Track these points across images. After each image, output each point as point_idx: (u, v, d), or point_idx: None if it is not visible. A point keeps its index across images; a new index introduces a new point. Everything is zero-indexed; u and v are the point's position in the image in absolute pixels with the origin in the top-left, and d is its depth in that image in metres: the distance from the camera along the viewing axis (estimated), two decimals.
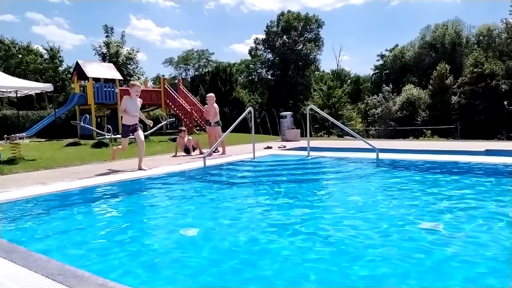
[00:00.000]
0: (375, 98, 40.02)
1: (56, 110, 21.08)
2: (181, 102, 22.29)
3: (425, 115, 33.05)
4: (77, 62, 21.55)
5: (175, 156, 9.77)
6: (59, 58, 41.46)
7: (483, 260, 2.75)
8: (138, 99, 7.44)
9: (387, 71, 53.88)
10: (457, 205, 4.29)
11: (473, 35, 47.62)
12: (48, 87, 18.12)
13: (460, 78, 33.62)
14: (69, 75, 33.00)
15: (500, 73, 30.18)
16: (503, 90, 29.49)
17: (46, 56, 41.14)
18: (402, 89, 37.81)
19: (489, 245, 3.02)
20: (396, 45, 54.59)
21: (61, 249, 3.20)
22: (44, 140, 18.52)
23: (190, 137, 10.49)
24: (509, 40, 34.63)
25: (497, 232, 3.36)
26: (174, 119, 20.42)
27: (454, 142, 13.78)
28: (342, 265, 2.75)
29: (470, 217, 3.80)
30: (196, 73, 60.82)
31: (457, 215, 3.84)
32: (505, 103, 28.48)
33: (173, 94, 22.64)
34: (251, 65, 58.28)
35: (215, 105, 10.09)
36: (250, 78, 58.19)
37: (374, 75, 58.71)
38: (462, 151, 8.54)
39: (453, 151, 8.73)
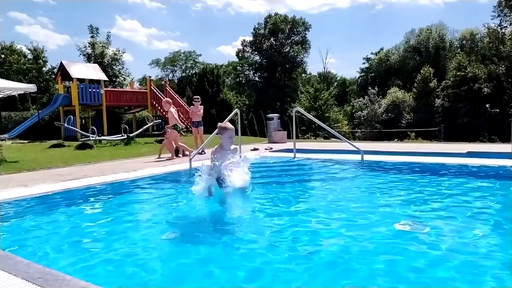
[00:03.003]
0: (361, 101, 40.45)
1: (40, 111, 20.74)
2: None
3: (409, 117, 33.54)
4: (61, 63, 21.29)
5: (159, 157, 9.75)
6: (43, 59, 40.79)
7: (473, 258, 2.81)
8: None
9: (373, 74, 54.51)
10: (439, 204, 4.36)
11: (456, 39, 48.54)
12: (31, 87, 17.84)
13: (444, 82, 34.25)
14: (53, 76, 32.50)
15: (483, 77, 30.85)
16: (485, 93, 30.14)
17: (29, 56, 40.44)
18: (387, 92, 38.31)
19: (476, 244, 3.09)
20: (382, 49, 55.28)
21: (42, 252, 3.16)
22: (27, 141, 18.21)
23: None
24: (491, 44, 35.46)
25: (482, 231, 3.43)
26: (160, 120, 20.31)
27: (437, 144, 14.02)
28: (325, 267, 2.78)
29: (452, 216, 3.87)
30: (183, 74, 60.53)
31: (438, 215, 3.91)
32: (487, 106, 29.13)
33: (160, 96, 22.51)
34: (238, 67, 58.32)
35: (172, 109, 10.03)
36: (238, 80, 58.21)
37: (360, 78, 59.34)
38: (444, 153, 8.69)
39: (436, 153, 8.89)
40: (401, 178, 6.21)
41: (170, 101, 10.44)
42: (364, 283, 2.48)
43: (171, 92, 23.76)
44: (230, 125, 4.79)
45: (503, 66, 31.33)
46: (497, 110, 29.67)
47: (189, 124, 18.71)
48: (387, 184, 5.79)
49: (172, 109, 10.09)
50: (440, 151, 9.19)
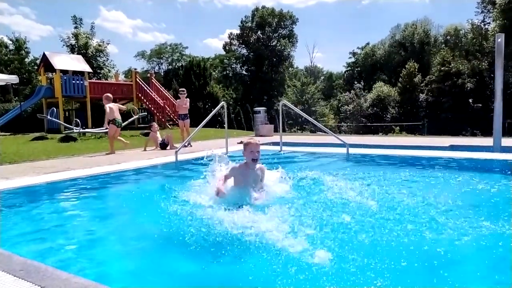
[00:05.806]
0: (347, 95, 40.74)
1: (22, 103, 20.31)
2: (153, 96, 21.95)
3: (394, 112, 33.96)
4: (44, 54, 20.83)
5: (144, 150, 9.73)
6: (25, 49, 39.82)
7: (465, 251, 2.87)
8: None
9: (359, 69, 54.86)
10: (421, 195, 4.44)
11: (441, 34, 49.08)
12: (13, 79, 17.34)
13: (428, 76, 34.72)
14: (36, 67, 31.82)
15: (466, 72, 31.37)
16: (468, 88, 30.67)
17: (11, 47, 39.42)
18: (373, 86, 38.64)
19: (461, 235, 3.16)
20: (368, 43, 55.62)
21: (23, 244, 3.12)
22: (9, 134, 17.86)
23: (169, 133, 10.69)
24: (474, 40, 36.00)
25: (470, 220, 3.50)
26: (146, 113, 20.12)
27: (421, 138, 14.23)
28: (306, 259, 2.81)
29: (434, 208, 3.95)
30: (170, 67, 59.90)
31: (419, 205, 3.98)
32: (470, 100, 29.67)
33: (146, 88, 22.26)
34: (225, 60, 57.97)
35: (110, 105, 9.56)
36: (224, 73, 57.89)
37: (346, 72, 59.66)
38: (428, 147, 8.84)
39: (420, 146, 9.02)
40: (386, 170, 6.30)
41: (110, 96, 9.89)
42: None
43: (157, 84, 23.50)
44: (252, 139, 4.33)
45: (486, 61, 31.88)
46: (480, 105, 30.26)
47: (175, 117, 18.59)
48: (372, 176, 5.85)
49: (112, 105, 9.62)
50: (424, 144, 9.34)
